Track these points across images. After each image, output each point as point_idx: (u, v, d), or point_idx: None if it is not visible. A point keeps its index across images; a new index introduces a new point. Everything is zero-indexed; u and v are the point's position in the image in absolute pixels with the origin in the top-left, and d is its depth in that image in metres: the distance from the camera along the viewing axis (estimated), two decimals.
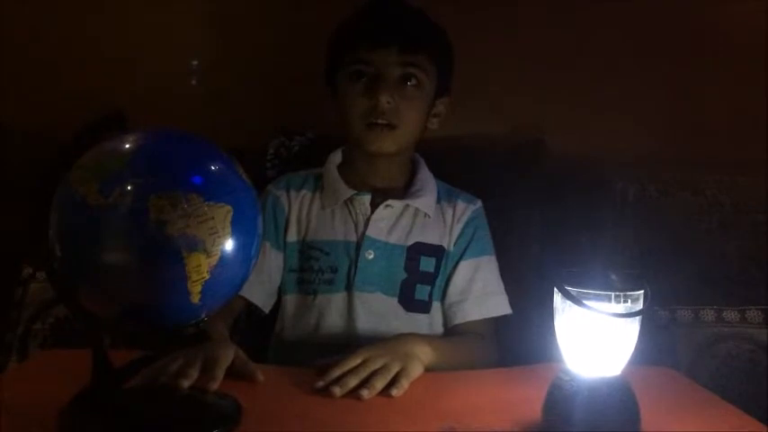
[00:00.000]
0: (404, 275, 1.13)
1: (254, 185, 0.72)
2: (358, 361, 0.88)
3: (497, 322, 1.15)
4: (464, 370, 0.98)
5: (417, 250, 1.14)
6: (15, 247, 1.28)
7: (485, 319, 1.14)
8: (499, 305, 1.15)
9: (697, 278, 1.38)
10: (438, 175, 1.22)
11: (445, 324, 1.16)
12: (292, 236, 1.16)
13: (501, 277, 1.17)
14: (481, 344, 1.11)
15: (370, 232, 1.13)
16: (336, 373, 0.86)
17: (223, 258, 0.66)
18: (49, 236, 0.66)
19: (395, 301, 1.13)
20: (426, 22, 1.14)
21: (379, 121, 1.09)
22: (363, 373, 0.86)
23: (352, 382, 0.84)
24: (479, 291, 1.14)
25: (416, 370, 0.91)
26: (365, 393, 0.82)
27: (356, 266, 1.12)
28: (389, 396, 0.84)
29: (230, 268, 0.67)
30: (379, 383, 0.85)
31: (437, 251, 1.15)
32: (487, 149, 1.47)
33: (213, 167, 0.68)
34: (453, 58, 1.17)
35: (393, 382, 0.86)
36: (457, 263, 1.16)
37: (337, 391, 0.82)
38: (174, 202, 0.63)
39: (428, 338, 1.03)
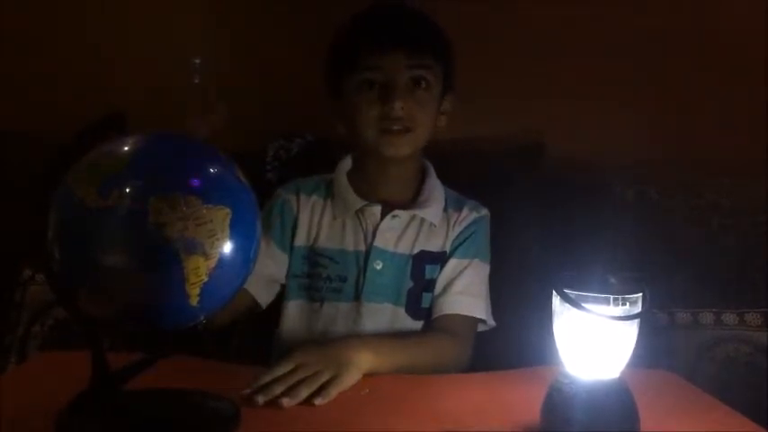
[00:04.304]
0: (410, 284, 1.13)
1: (254, 188, 0.72)
2: (289, 367, 0.86)
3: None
4: (429, 369, 0.96)
5: (422, 258, 1.14)
6: (15, 249, 1.27)
7: (461, 317, 1.11)
8: (475, 307, 1.12)
9: (696, 281, 1.38)
10: (438, 177, 1.21)
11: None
12: (300, 240, 1.15)
13: (500, 281, 1.16)
14: (450, 342, 1.07)
15: (378, 243, 1.13)
16: (266, 379, 0.83)
17: (222, 261, 0.66)
18: (47, 237, 0.66)
19: (402, 310, 1.12)
20: (428, 22, 1.14)
21: (395, 128, 1.09)
22: (290, 381, 0.83)
23: (278, 390, 0.82)
24: (459, 288, 1.12)
25: (350, 378, 0.88)
26: (285, 402, 0.80)
27: (364, 276, 1.11)
28: (391, 397, 0.84)
29: (229, 271, 0.67)
30: (304, 392, 0.82)
31: (441, 258, 1.15)
32: (488, 152, 1.47)
33: (212, 170, 0.68)
34: (454, 54, 1.17)
35: (321, 389, 0.83)
36: (447, 260, 1.15)
37: (260, 399, 0.80)
38: (173, 205, 0.63)
39: (374, 342, 0.99)
